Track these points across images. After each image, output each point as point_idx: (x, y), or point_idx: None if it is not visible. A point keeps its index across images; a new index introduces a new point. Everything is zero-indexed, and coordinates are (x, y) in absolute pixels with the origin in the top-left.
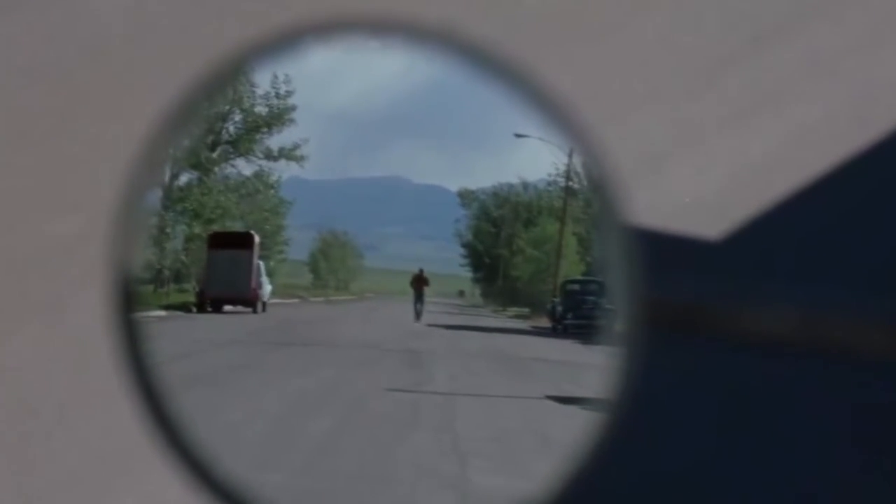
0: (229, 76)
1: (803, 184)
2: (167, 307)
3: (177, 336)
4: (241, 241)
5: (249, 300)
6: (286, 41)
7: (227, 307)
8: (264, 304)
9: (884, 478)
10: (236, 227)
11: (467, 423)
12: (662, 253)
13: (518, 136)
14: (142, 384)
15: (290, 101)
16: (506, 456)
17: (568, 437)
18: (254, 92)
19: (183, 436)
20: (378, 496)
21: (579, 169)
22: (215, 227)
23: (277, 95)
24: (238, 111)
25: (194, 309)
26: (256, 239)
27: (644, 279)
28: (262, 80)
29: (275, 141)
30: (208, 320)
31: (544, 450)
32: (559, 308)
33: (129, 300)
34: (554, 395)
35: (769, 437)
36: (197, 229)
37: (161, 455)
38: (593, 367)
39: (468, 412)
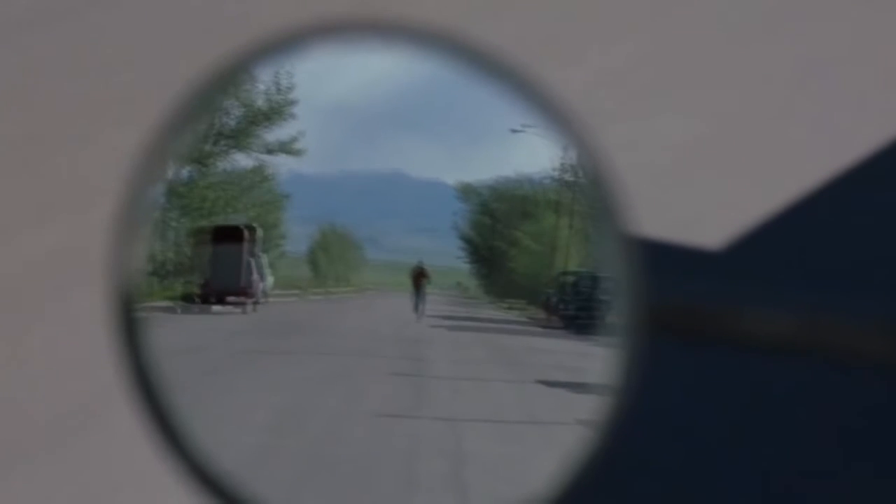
0: (233, 75)
1: (807, 188)
2: (171, 299)
3: (182, 327)
4: (242, 234)
5: (251, 292)
6: (289, 41)
7: (230, 299)
8: (266, 295)
9: (886, 481)
10: (238, 220)
11: (463, 403)
12: (661, 256)
13: (514, 131)
14: (142, 380)
15: (291, 95)
16: (496, 431)
17: (554, 416)
18: (255, 87)
19: (184, 430)
20: (379, 462)
21: (575, 164)
22: (217, 222)
23: (278, 90)
24: (239, 106)
25: (197, 300)
26: (259, 232)
27: (643, 281)
28: (263, 74)
29: (273, 135)
30: (211, 312)
31: (532, 426)
32: (553, 300)
33: (132, 294)
34: (543, 379)
35: (772, 440)
36: (199, 223)
37: (162, 454)
38: (582, 357)
39: (464, 393)
